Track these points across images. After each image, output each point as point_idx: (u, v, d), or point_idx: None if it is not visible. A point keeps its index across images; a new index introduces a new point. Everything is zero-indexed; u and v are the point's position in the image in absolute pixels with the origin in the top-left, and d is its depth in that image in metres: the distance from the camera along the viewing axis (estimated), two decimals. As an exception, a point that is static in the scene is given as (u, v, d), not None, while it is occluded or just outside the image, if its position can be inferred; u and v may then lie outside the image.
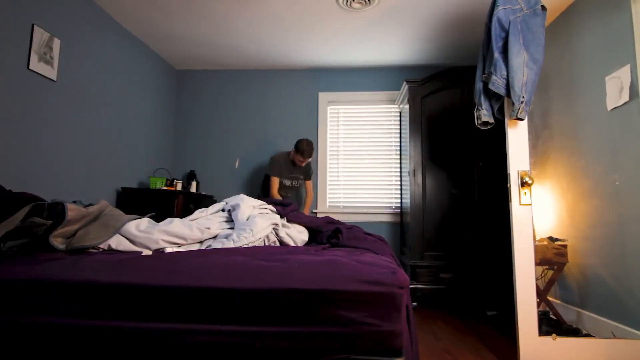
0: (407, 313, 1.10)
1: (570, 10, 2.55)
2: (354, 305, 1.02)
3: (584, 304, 2.39)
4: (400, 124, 3.99)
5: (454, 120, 3.36)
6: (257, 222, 1.68)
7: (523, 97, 1.89)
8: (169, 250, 1.50)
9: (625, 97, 2.04)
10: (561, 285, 2.62)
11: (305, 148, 3.38)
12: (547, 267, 2.53)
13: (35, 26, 2.41)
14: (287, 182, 3.58)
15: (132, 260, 1.17)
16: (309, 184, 3.75)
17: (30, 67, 2.39)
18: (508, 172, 2.02)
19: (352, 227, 2.05)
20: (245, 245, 1.57)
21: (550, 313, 2.49)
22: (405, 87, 3.51)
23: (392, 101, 4.11)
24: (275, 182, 3.51)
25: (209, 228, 1.68)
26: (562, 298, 2.61)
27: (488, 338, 2.36)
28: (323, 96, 4.20)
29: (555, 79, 2.70)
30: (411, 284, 3.11)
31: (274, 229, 1.76)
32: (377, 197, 4.08)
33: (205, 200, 3.85)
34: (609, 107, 2.17)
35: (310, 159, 3.51)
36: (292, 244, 1.79)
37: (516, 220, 1.97)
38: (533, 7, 1.99)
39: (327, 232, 1.93)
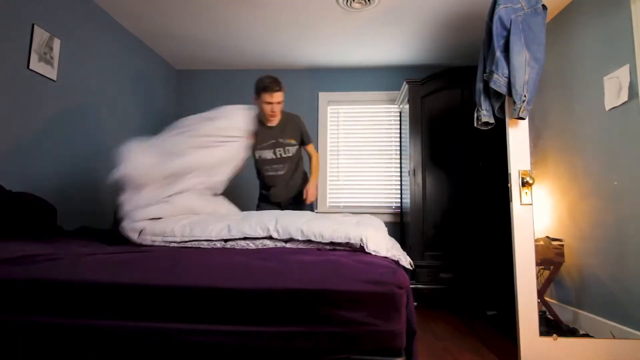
0: (408, 313, 1.10)
1: (569, 9, 2.55)
2: (354, 305, 1.01)
3: (580, 303, 2.39)
4: (400, 124, 3.99)
5: (454, 120, 3.36)
6: None
7: (525, 96, 1.89)
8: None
9: (624, 97, 2.04)
10: (557, 285, 2.62)
11: (268, 80, 2.38)
12: (542, 266, 2.52)
13: (35, 26, 2.41)
14: (268, 154, 2.54)
15: (132, 260, 1.17)
16: (310, 148, 2.69)
17: (30, 67, 2.39)
18: (509, 172, 2.01)
19: None
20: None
21: (547, 313, 2.49)
22: (405, 87, 3.50)
23: (392, 101, 4.10)
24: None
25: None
26: (558, 298, 2.61)
27: (488, 338, 2.35)
28: (323, 96, 4.19)
29: (553, 78, 2.70)
30: (411, 284, 3.10)
31: None
32: (377, 197, 4.08)
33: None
34: (607, 107, 2.16)
35: (282, 97, 2.44)
36: None
37: (517, 220, 1.97)
38: (534, 6, 1.98)
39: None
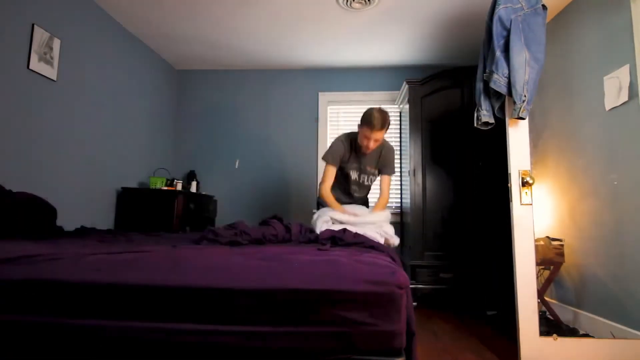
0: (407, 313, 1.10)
1: (569, 9, 2.55)
2: (354, 305, 1.01)
3: (580, 303, 2.39)
4: (400, 124, 3.99)
5: (454, 120, 3.36)
6: None
7: (525, 96, 1.89)
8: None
9: (624, 97, 2.03)
10: (557, 285, 2.62)
11: (376, 116, 2.25)
12: (542, 266, 2.52)
13: (35, 26, 2.41)
14: (354, 174, 2.54)
15: (132, 260, 1.17)
16: (386, 180, 2.57)
17: (30, 67, 2.39)
18: (509, 172, 2.01)
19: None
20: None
21: (547, 313, 2.49)
22: (405, 87, 3.50)
23: (392, 101, 4.10)
24: (329, 172, 2.45)
25: None
26: (558, 298, 2.61)
27: (488, 338, 2.35)
28: (323, 96, 4.19)
29: (553, 78, 2.70)
30: (411, 284, 3.10)
31: None
32: (377, 197, 4.07)
33: (205, 200, 3.84)
34: (607, 107, 2.16)
35: (383, 136, 2.34)
36: None
37: (517, 220, 1.97)
38: (534, 6, 1.98)
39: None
